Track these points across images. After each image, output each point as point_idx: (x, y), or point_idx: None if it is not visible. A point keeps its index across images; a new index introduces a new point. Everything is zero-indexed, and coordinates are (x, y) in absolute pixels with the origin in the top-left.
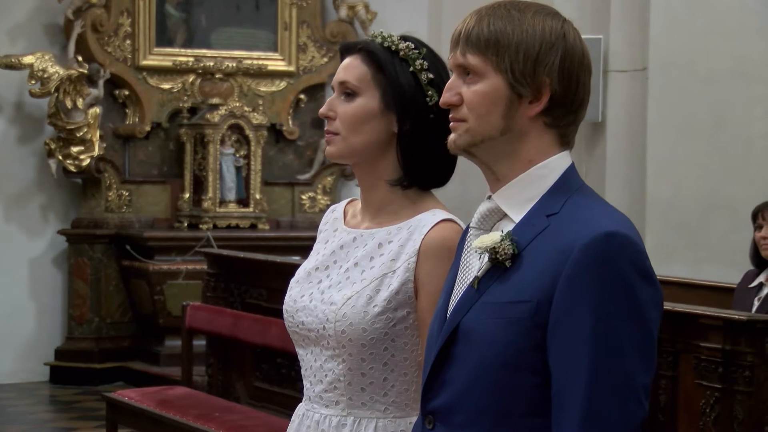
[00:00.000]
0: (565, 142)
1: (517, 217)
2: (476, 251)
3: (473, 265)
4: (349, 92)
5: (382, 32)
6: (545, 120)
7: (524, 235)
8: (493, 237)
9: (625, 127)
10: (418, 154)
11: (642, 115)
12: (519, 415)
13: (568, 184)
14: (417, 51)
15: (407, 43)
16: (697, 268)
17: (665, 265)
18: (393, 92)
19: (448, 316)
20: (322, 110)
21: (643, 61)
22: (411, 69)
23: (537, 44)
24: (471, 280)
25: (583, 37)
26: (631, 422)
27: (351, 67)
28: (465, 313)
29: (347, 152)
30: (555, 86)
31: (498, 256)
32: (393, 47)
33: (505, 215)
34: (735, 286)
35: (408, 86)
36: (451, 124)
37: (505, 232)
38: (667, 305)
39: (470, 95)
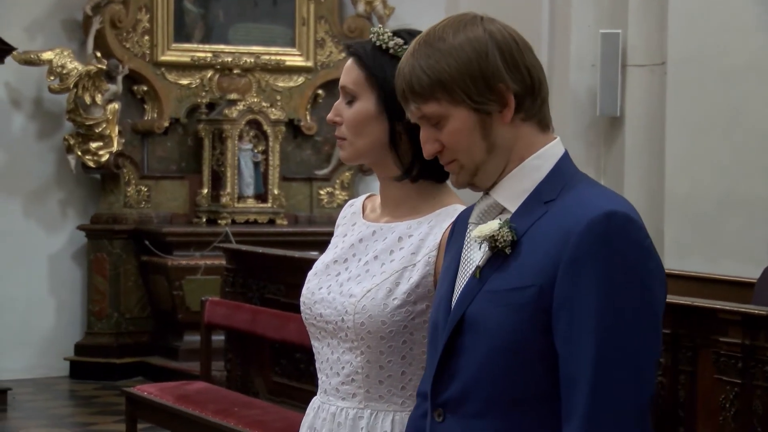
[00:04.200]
0: (544, 125)
1: (515, 208)
2: (476, 241)
3: (474, 256)
4: (349, 96)
5: (378, 29)
6: (521, 117)
7: (522, 221)
8: (491, 226)
9: (643, 122)
10: (418, 150)
11: (660, 110)
12: (530, 400)
13: (563, 171)
14: (406, 47)
15: (396, 39)
16: (715, 264)
17: (683, 261)
18: (383, 93)
19: (452, 308)
20: (329, 116)
21: (662, 56)
22: None
23: (474, 60)
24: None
25: (601, 31)
26: (640, 400)
27: (348, 71)
28: (468, 303)
29: (356, 156)
30: (512, 86)
31: (497, 243)
32: (384, 46)
33: (504, 209)
34: (754, 280)
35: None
36: (446, 167)
37: (503, 220)
38: (686, 300)
39: (447, 138)
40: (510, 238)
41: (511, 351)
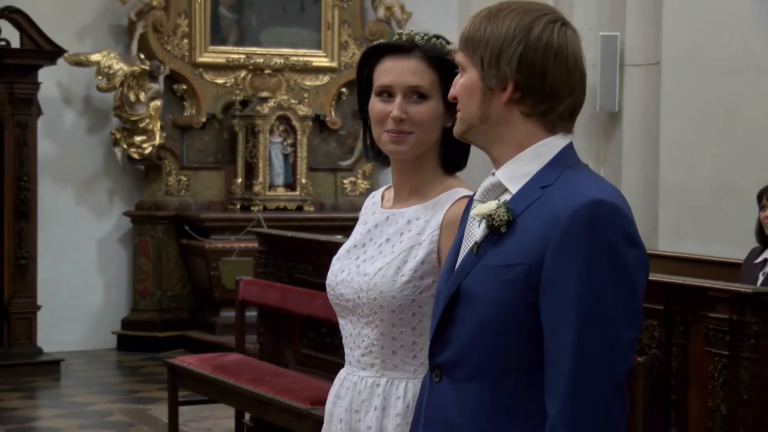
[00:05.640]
0: (550, 129)
1: (516, 189)
2: (475, 218)
3: (475, 233)
4: (420, 95)
5: (412, 31)
6: (521, 109)
7: (519, 204)
8: (489, 205)
9: (640, 117)
10: (457, 143)
11: (655, 106)
12: (517, 370)
13: (564, 160)
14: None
15: (450, 46)
16: (707, 247)
17: (677, 244)
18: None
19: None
20: (397, 114)
21: (657, 56)
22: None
23: (501, 39)
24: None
25: (601, 34)
26: (617, 375)
27: (419, 72)
28: (465, 276)
29: (418, 149)
30: (516, 76)
31: (494, 222)
32: (446, 50)
33: (506, 189)
34: (741, 262)
35: None
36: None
37: (501, 201)
38: (679, 279)
39: (458, 88)
40: (506, 217)
41: (500, 323)
